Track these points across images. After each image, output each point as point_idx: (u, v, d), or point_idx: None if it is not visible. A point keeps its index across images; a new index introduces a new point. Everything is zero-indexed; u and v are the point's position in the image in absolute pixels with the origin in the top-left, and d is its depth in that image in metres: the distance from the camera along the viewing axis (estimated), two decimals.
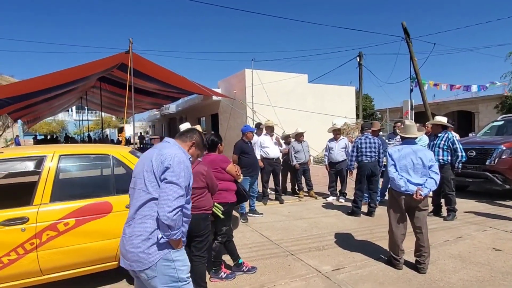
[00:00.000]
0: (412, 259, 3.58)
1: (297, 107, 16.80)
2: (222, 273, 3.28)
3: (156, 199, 1.78)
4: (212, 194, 2.93)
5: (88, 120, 33.71)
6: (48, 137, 30.97)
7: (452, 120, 6.23)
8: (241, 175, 3.77)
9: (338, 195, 7.27)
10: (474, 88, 16.34)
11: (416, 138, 3.61)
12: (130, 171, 3.21)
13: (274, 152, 6.80)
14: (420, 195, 3.27)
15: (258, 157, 6.76)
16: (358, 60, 18.97)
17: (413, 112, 15.08)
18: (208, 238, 2.89)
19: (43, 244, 2.75)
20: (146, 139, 34.87)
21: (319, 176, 9.91)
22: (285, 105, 16.52)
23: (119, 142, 19.94)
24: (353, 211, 5.82)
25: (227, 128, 18.50)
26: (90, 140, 26.18)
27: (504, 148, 6.53)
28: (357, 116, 20.10)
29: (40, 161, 3.00)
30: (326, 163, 7.24)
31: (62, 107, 23.66)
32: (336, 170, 7.06)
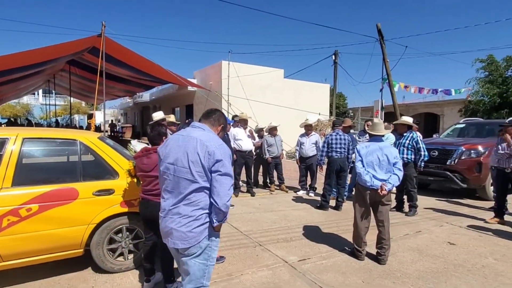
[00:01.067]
0: (374, 251, 3.76)
1: (272, 101, 16.92)
2: None
3: (206, 188, 1.91)
4: None
5: (55, 104, 32.12)
6: (12, 120, 29.20)
7: (417, 120, 6.53)
8: None
9: (308, 189, 7.45)
10: (440, 91, 17.18)
11: (383, 135, 3.77)
12: (99, 158, 3.14)
13: (247, 145, 6.84)
14: (384, 190, 3.43)
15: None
16: (333, 58, 19.33)
17: (383, 111, 15.64)
18: None
19: (4, 230, 2.65)
20: (118, 127, 33.82)
21: (291, 170, 10.09)
22: (261, 99, 16.58)
23: (88, 129, 19.24)
24: (322, 205, 6.00)
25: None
26: (58, 126, 24.99)
27: (464, 149, 6.95)
28: (331, 113, 20.53)
29: (1, 143, 2.86)
30: (297, 157, 7.39)
31: (28, 89, 22.43)
32: (307, 165, 7.22)
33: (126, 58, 12.02)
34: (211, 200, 1.90)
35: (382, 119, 14.88)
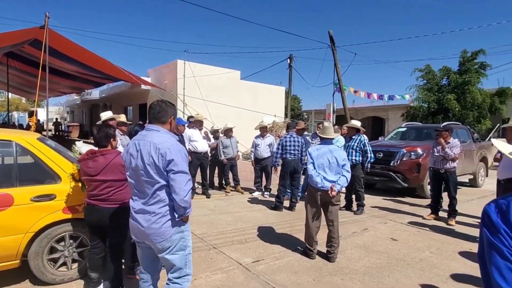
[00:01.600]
0: (324, 249, 3.91)
1: (229, 102, 16.89)
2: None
3: (166, 185, 2.02)
4: None
5: None
6: None
7: (363, 124, 6.91)
8: None
9: (263, 190, 7.54)
10: (386, 97, 18.41)
11: (333, 138, 3.95)
12: (38, 160, 2.90)
13: (202, 146, 6.76)
14: (334, 191, 3.59)
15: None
16: (288, 62, 19.80)
17: (335, 115, 16.37)
18: (124, 233, 2.77)
19: None
20: (63, 126, 31.55)
21: (247, 172, 10.14)
22: (217, 100, 16.48)
23: (28, 128, 17.66)
24: (276, 206, 6.11)
25: None
26: None
27: (405, 151, 7.51)
28: (286, 115, 21.01)
29: None
30: (252, 159, 7.46)
31: None
32: (262, 166, 7.31)
33: (73, 53, 11.25)
34: (171, 197, 2.02)
35: (333, 122, 15.59)
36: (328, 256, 3.76)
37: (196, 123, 6.94)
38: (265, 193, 7.45)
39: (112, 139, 2.69)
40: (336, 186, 3.61)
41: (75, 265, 3.07)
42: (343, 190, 6.54)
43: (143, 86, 17.11)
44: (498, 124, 14.88)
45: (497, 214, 1.01)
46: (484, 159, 9.43)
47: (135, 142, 2.11)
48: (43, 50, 8.99)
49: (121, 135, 5.58)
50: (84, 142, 3.77)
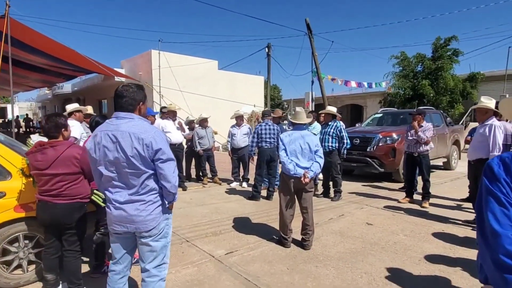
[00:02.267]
0: (299, 237, 3.85)
1: (207, 93, 16.58)
2: (106, 267, 3.00)
3: (154, 174, 1.98)
4: (90, 180, 2.60)
5: None
6: None
7: (340, 110, 6.88)
8: None
9: (241, 180, 7.44)
10: (365, 84, 18.58)
11: (305, 124, 3.86)
12: None
13: (176, 137, 6.55)
14: (307, 177, 3.51)
15: None
16: (267, 50, 19.57)
17: (314, 103, 16.37)
18: (82, 230, 2.59)
19: None
20: (35, 122, 30.26)
21: (226, 162, 9.98)
22: (195, 90, 16.14)
23: None
24: (253, 196, 6.02)
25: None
26: None
27: (381, 136, 7.56)
28: (266, 105, 20.89)
29: None
30: (229, 149, 7.32)
31: None
32: (239, 156, 7.18)
33: (39, 43, 10.61)
34: (160, 184, 2.01)
35: (312, 110, 15.60)
36: (303, 244, 3.70)
37: (169, 113, 6.70)
38: (243, 183, 7.34)
39: (63, 129, 2.48)
40: (309, 173, 3.53)
41: (32, 266, 2.86)
42: (320, 176, 6.54)
43: (116, 78, 16.49)
44: (470, 109, 15.32)
45: (499, 166, 1.06)
46: (456, 143, 9.66)
47: (107, 133, 1.94)
48: (3, 40, 8.43)
49: (88, 127, 5.32)
50: (40, 135, 3.51)
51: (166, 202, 2.08)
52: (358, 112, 26.48)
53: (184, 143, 7.58)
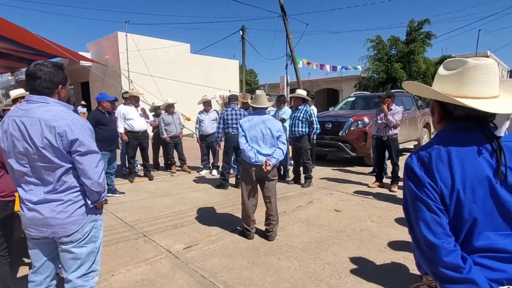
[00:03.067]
0: (264, 227, 3.68)
1: (180, 78, 15.98)
2: None
3: (73, 168, 1.71)
4: None
5: None
6: None
7: (312, 94, 6.71)
8: None
9: (211, 168, 7.20)
10: (339, 68, 18.52)
11: (266, 108, 3.63)
12: None
13: (140, 124, 6.17)
14: (269, 165, 3.31)
15: (121, 130, 6.07)
16: (241, 33, 19.04)
17: (289, 87, 16.18)
18: (9, 232, 2.28)
19: None
20: None
21: (197, 150, 9.67)
22: (167, 75, 15.50)
23: None
24: (221, 184, 5.80)
25: None
26: None
27: (353, 120, 7.47)
28: (241, 89, 20.50)
29: None
30: (197, 136, 7.02)
31: None
32: (207, 143, 6.91)
33: None
34: (80, 181, 1.74)
35: (288, 94, 15.39)
36: (266, 235, 3.53)
37: (131, 99, 6.29)
38: (213, 170, 7.10)
39: None
40: (271, 160, 3.33)
41: None
42: (292, 163, 6.40)
43: (82, 63, 15.61)
44: None
45: (420, 167, 1.00)
46: (427, 125, 9.77)
47: (15, 119, 1.65)
48: None
49: None
50: None
51: (89, 203, 1.79)
52: (335, 96, 26.58)
53: (150, 131, 7.22)
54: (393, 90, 8.97)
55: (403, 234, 3.64)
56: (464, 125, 1.03)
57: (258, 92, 3.57)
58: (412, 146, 9.56)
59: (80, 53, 16.21)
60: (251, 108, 4.56)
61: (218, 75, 18.79)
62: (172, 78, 15.51)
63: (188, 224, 4.02)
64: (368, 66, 18.64)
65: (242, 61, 19.41)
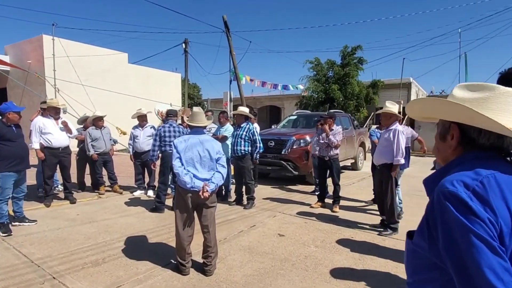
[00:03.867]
0: (202, 259, 3.28)
1: (116, 88, 14.86)
2: None
3: None
4: None
5: None
6: None
7: (254, 112, 6.54)
8: None
9: (146, 188, 6.56)
10: (280, 86, 18.97)
11: (205, 127, 3.31)
12: None
13: (60, 139, 5.37)
14: (207, 191, 2.96)
15: (36, 146, 5.22)
16: (184, 46, 18.56)
17: (232, 103, 16.03)
18: None
19: None
20: None
21: (133, 167, 8.88)
22: (101, 85, 14.31)
23: None
24: (156, 207, 5.25)
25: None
26: None
27: (295, 139, 7.47)
28: (183, 103, 19.84)
29: None
30: (131, 153, 6.37)
31: None
32: (142, 161, 6.30)
33: None
34: None
35: (231, 110, 15.21)
36: (204, 269, 3.13)
37: (49, 110, 5.46)
38: (149, 191, 6.48)
39: None
40: (209, 185, 2.98)
41: None
42: (248, 185, 6.09)
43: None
44: (372, 113, 16.78)
45: (472, 199, 0.78)
46: (362, 144, 10.26)
47: None
48: None
49: None
50: None
51: None
52: (277, 113, 27.16)
53: (74, 146, 6.37)
54: (332, 110, 9.28)
55: (347, 259, 3.53)
56: (490, 154, 0.89)
57: (195, 109, 3.23)
58: (349, 164, 9.94)
59: None
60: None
61: (159, 88, 17.98)
62: (106, 88, 14.36)
63: (112, 260, 3.44)
64: (307, 86, 19.39)
65: (185, 75, 18.86)
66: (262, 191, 6.91)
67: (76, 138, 6.32)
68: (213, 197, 3.11)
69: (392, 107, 4.35)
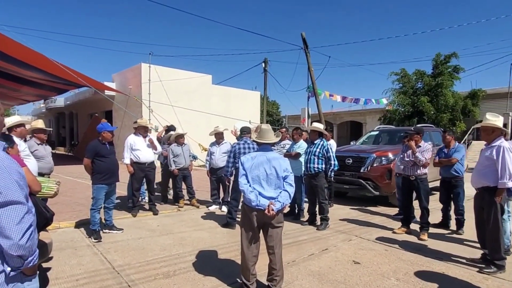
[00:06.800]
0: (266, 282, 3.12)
1: (200, 108, 16.03)
2: None
3: None
4: None
5: None
6: None
7: (330, 128, 6.23)
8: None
9: (221, 203, 6.73)
10: (362, 101, 18.03)
11: (273, 144, 3.20)
12: None
13: (147, 156, 5.90)
14: (272, 210, 2.82)
15: (127, 161, 5.81)
16: (263, 66, 19.18)
17: (310, 119, 15.77)
18: None
19: None
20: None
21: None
22: (187, 105, 15.58)
23: None
24: (228, 223, 5.30)
25: (121, 127, 16.64)
26: None
27: (375, 156, 6.88)
28: (262, 120, 20.33)
29: None
30: (208, 168, 6.64)
31: None
32: (217, 177, 6.49)
33: (26, 57, 10.19)
34: None
35: (299, 127, 14.97)
36: None
37: (139, 129, 6.06)
38: (223, 206, 6.63)
39: None
40: (275, 204, 2.84)
41: None
42: (305, 207, 5.83)
43: (107, 92, 16.08)
44: (472, 127, 14.67)
45: None
46: None
47: None
48: None
49: (39, 144, 4.68)
50: None
51: (8, 270, 1.36)
52: (358, 129, 25.88)
53: (158, 162, 6.94)
54: (420, 125, 8.35)
55: None
56: None
57: (263, 126, 3.16)
58: None
59: (106, 83, 16.79)
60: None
61: (238, 106, 18.77)
62: (192, 108, 15.57)
63: (181, 273, 3.52)
64: (393, 99, 18.04)
65: (264, 92, 19.40)
66: (338, 211, 6.48)
67: (161, 154, 6.88)
68: (279, 217, 2.96)
69: (494, 119, 3.63)
